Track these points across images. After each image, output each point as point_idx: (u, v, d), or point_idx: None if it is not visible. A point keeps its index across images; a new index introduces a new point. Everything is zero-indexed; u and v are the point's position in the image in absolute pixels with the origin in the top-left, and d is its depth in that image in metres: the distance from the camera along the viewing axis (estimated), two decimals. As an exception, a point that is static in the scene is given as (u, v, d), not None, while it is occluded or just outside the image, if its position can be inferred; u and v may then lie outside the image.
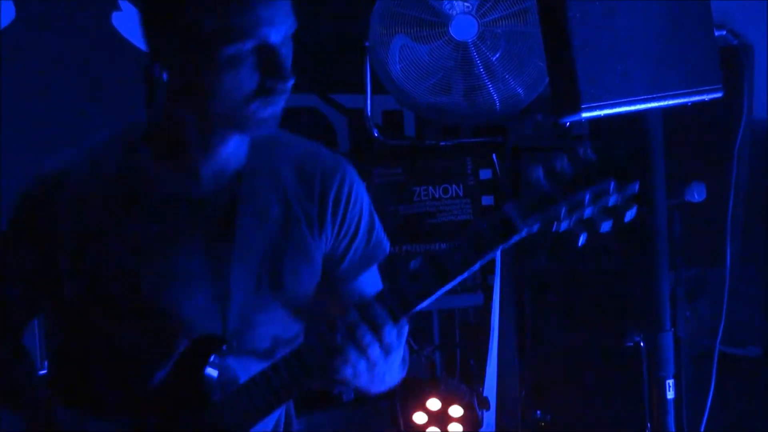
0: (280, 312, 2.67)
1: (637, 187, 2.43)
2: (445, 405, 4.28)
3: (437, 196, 4.50)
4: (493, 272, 4.41)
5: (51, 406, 2.65)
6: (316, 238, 2.67)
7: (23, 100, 4.50)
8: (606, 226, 2.42)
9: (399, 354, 2.51)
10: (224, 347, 2.58)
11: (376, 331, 2.41)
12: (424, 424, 4.31)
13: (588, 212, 2.41)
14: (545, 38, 3.63)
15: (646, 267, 3.74)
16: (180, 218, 2.58)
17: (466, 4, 4.48)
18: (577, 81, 3.47)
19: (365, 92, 4.60)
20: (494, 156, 4.42)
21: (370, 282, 2.75)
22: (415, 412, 4.30)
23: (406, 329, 2.46)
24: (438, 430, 4.28)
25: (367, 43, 4.50)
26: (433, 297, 2.44)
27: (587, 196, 2.40)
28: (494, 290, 4.54)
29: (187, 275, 2.59)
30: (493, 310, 4.52)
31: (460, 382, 4.31)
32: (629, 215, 2.44)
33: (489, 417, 4.34)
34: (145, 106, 2.59)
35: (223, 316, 2.60)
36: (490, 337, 4.35)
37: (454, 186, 4.45)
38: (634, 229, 3.81)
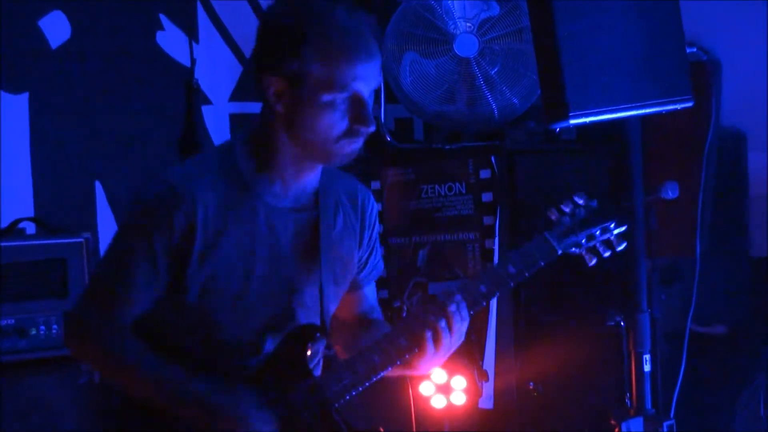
0: (337, 300, 2.87)
1: (626, 228, 2.95)
2: (450, 377, 4.26)
3: (443, 193, 4.48)
4: (492, 261, 4.41)
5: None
6: (357, 245, 2.87)
7: (78, 109, 4.51)
8: (606, 254, 2.93)
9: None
10: (318, 334, 2.75)
11: (461, 322, 2.72)
12: (430, 394, 4.30)
13: (597, 242, 2.92)
14: (537, 54, 3.66)
15: (625, 256, 3.79)
16: (277, 225, 2.70)
17: (468, 24, 4.48)
18: (566, 92, 3.50)
19: (380, 102, 4.62)
20: (493, 158, 4.39)
21: (373, 291, 3.01)
22: (422, 383, 4.29)
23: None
24: (443, 398, 4.27)
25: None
26: (492, 299, 2.85)
27: (597, 231, 2.91)
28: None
29: (279, 273, 2.72)
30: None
31: (463, 357, 4.29)
32: (620, 247, 2.95)
33: (488, 387, 4.32)
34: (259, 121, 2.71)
35: (321, 308, 2.77)
36: (489, 318, 4.33)
37: (457, 184, 4.44)
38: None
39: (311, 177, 2.75)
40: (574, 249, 2.89)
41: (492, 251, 4.32)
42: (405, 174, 4.58)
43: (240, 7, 4.94)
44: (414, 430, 4.25)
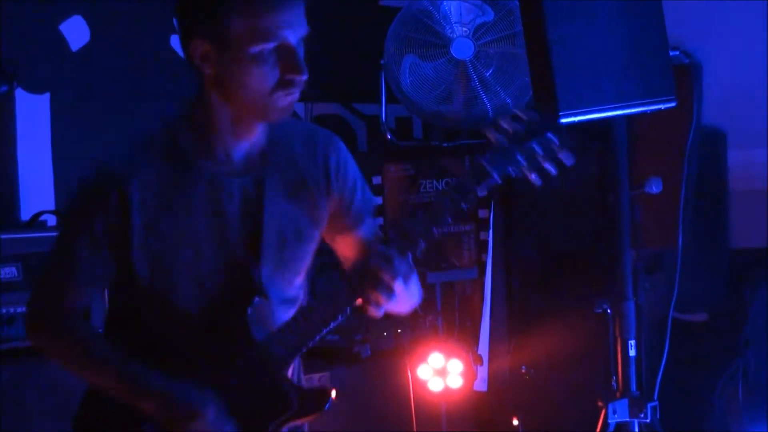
0: (297, 263, 2.68)
1: (568, 138, 2.55)
2: (446, 361, 4.26)
3: (440, 187, 4.52)
4: (486, 251, 4.43)
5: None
6: (324, 197, 2.67)
7: (96, 108, 4.49)
8: (552, 169, 2.53)
9: (414, 281, 2.58)
10: (257, 298, 2.58)
11: (391, 263, 2.48)
12: (428, 378, 4.30)
13: (539, 155, 2.53)
14: (530, 57, 3.66)
15: (612, 247, 3.80)
16: (220, 194, 2.55)
17: (464, 29, 4.49)
18: (556, 92, 3.48)
19: (381, 102, 4.63)
20: (487, 155, 4.41)
21: (371, 229, 2.78)
22: (420, 366, 4.30)
23: (410, 259, 2.53)
24: (440, 381, 4.27)
25: (382, 62, 4.53)
26: (430, 233, 2.53)
27: (534, 144, 2.52)
28: (487, 266, 4.53)
29: (229, 242, 2.57)
30: (486, 283, 4.51)
31: (459, 342, 4.30)
32: (568, 161, 2.55)
33: (482, 371, 4.33)
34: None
35: (259, 271, 2.59)
36: (483, 305, 4.34)
37: (454, 180, 4.44)
38: (602, 215, 3.89)
39: (255, 136, 2.57)
40: (510, 169, 2.53)
41: (486, 242, 4.34)
42: (405, 170, 4.58)
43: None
44: (413, 411, 4.26)
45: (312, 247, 2.71)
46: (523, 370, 4.38)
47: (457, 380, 4.26)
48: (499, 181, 2.56)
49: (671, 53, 3.69)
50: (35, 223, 3.99)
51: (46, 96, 4.37)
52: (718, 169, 4.65)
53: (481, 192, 2.55)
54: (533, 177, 2.54)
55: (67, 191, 4.24)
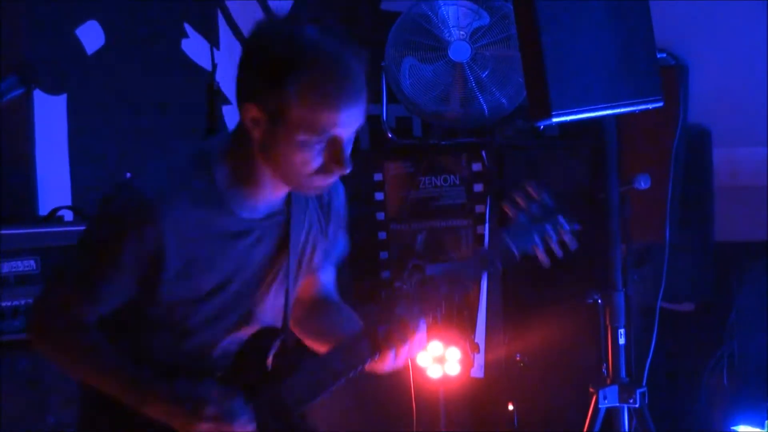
0: (298, 289, 2.66)
1: (577, 225, 2.63)
2: (445, 349, 4.24)
3: (438, 184, 4.47)
4: (483, 245, 4.41)
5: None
6: (323, 237, 2.66)
7: (111, 108, 4.49)
8: (560, 253, 2.61)
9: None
10: (281, 337, 2.55)
11: (411, 331, 2.49)
12: (427, 365, 4.29)
13: (551, 238, 2.59)
14: (524, 59, 3.67)
15: (602, 240, 3.79)
16: (249, 237, 2.48)
17: (461, 32, 4.49)
18: (549, 93, 3.51)
19: (382, 102, 4.63)
20: (483, 152, 4.39)
21: (332, 276, 2.75)
22: (420, 355, 4.28)
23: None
24: (439, 368, 4.26)
25: (383, 64, 4.52)
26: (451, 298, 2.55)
27: (548, 227, 2.58)
28: (483, 259, 4.53)
29: (257, 281, 2.52)
30: (483, 275, 4.52)
31: (457, 331, 4.28)
32: (573, 245, 2.63)
33: (479, 359, 4.31)
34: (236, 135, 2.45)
35: (285, 310, 2.56)
36: (480, 296, 4.33)
37: (452, 176, 4.43)
38: (593, 210, 3.89)
39: (285, 190, 2.51)
40: (529, 248, 2.58)
41: (482, 236, 4.33)
42: (405, 167, 4.57)
43: (256, 16, 4.95)
44: (413, 397, 4.25)
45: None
46: (518, 358, 4.35)
47: (455, 367, 4.23)
48: (518, 259, 2.60)
49: (658, 56, 3.70)
50: (52, 218, 3.99)
51: (63, 97, 4.38)
52: (703, 166, 4.64)
53: (500, 266, 2.58)
54: (543, 257, 2.60)
55: (85, 191, 4.32)
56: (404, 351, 2.48)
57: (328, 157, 2.34)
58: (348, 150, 2.36)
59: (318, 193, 2.51)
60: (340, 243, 2.73)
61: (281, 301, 2.58)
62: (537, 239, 2.58)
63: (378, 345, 2.46)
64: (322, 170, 2.36)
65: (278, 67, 2.29)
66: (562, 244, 2.62)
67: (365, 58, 2.35)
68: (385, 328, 2.45)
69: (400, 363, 2.52)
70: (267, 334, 2.54)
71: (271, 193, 2.48)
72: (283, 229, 2.53)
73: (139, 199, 2.37)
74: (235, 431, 2.38)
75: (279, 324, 2.57)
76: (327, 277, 2.75)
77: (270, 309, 2.58)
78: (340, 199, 2.69)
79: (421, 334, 2.51)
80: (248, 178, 2.44)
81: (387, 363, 2.49)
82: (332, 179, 2.41)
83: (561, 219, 2.60)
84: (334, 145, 2.33)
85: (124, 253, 2.38)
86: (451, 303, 3.85)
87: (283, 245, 2.53)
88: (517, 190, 2.64)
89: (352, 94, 2.30)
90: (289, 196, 2.54)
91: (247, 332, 2.54)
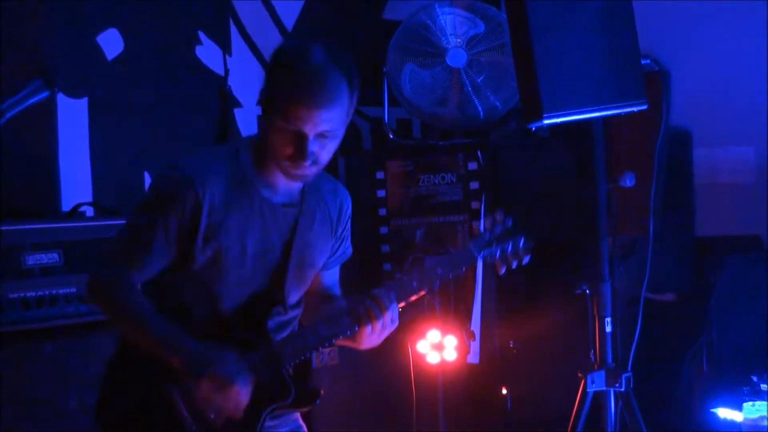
0: (307, 280, 2.90)
1: (531, 243, 2.93)
2: (443, 336, 4.25)
3: (437, 182, 4.50)
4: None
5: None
6: (332, 235, 2.92)
7: (130, 111, 4.48)
8: (514, 264, 2.93)
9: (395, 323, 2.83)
10: (279, 307, 2.82)
11: (392, 312, 2.79)
12: (426, 352, 4.31)
13: (508, 255, 2.91)
14: (516, 65, 3.68)
15: (590, 234, 3.79)
16: (267, 215, 2.76)
17: (458, 40, 4.51)
18: (540, 97, 3.52)
19: (383, 105, 4.64)
20: (479, 152, 4.41)
21: (336, 273, 3.03)
22: (419, 342, 4.32)
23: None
24: (437, 354, 4.28)
25: (384, 69, 4.55)
26: (415, 297, 2.85)
27: (509, 246, 2.91)
28: (479, 253, 4.52)
29: (270, 255, 2.78)
30: (478, 267, 4.51)
31: (454, 320, 4.29)
32: (526, 260, 2.93)
33: (474, 346, 4.31)
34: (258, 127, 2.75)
35: (284, 285, 2.82)
36: (476, 287, 4.33)
37: (449, 175, 4.47)
38: (582, 206, 3.90)
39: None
40: (489, 259, 2.91)
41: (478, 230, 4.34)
42: (405, 166, 4.58)
43: (266, 24, 4.96)
44: (413, 381, 4.25)
45: (315, 271, 2.93)
46: (511, 345, 4.37)
47: (452, 354, 4.24)
48: (480, 265, 3.07)
49: (643, 62, 3.71)
50: (75, 213, 4.00)
51: (84, 100, 4.37)
52: (684, 165, 4.67)
53: (465, 270, 2.92)
54: (501, 268, 2.93)
55: (105, 188, 4.31)
56: (378, 327, 2.75)
57: (294, 147, 2.64)
58: (311, 147, 2.64)
59: (299, 181, 2.74)
60: (346, 244, 2.99)
61: (283, 280, 2.83)
62: (497, 252, 2.90)
63: (357, 319, 2.75)
64: (290, 158, 2.65)
65: (271, 67, 2.70)
66: (518, 259, 2.92)
67: (348, 81, 2.66)
68: (364, 306, 2.75)
69: (375, 339, 2.80)
70: (267, 300, 2.81)
71: (285, 183, 2.76)
72: (295, 220, 2.80)
73: (181, 175, 2.70)
74: (232, 392, 2.65)
75: (279, 297, 2.83)
76: (332, 276, 3.02)
77: (276, 287, 2.83)
78: (349, 207, 2.97)
79: (393, 313, 2.77)
80: (264, 162, 2.74)
81: (365, 336, 2.78)
82: (300, 168, 2.67)
83: (520, 241, 2.91)
84: (299, 139, 2.62)
85: (169, 218, 2.68)
86: (447, 292, 3.94)
87: (291, 234, 2.80)
88: (488, 215, 2.97)
89: (318, 99, 2.61)
90: (303, 192, 2.82)
91: (260, 300, 2.80)
